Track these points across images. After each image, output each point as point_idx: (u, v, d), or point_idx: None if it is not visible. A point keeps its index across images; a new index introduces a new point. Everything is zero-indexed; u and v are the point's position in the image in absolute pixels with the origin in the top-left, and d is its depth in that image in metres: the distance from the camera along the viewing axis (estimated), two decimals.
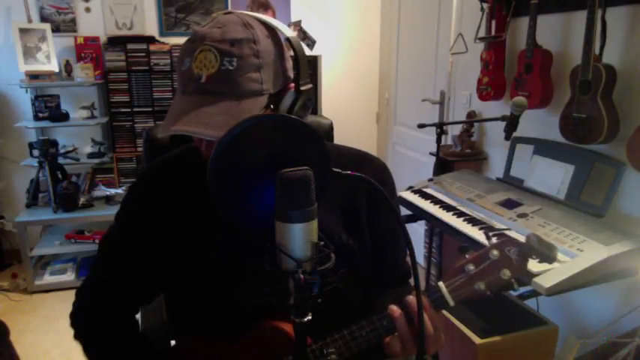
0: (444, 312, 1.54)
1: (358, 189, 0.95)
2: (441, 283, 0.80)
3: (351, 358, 0.85)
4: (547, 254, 0.78)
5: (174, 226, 0.91)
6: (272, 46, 0.80)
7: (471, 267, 0.78)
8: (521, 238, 1.50)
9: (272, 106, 0.81)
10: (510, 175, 2.05)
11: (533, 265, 1.35)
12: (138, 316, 1.06)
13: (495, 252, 0.78)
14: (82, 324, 0.96)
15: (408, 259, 0.76)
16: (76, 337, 0.96)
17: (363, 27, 3.72)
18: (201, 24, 0.81)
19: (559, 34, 1.93)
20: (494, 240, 0.83)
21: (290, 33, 0.82)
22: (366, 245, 0.94)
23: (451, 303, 0.79)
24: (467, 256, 0.80)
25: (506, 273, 0.77)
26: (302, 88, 0.81)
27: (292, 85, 0.82)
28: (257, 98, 0.78)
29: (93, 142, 3.34)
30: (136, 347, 0.96)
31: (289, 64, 0.84)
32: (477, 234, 1.63)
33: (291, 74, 0.84)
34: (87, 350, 0.95)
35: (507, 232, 1.59)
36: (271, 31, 0.81)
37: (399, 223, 0.72)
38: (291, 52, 0.83)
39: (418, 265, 0.76)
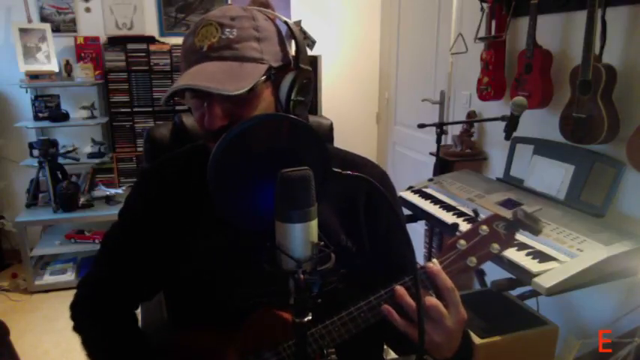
0: None
1: (357, 191, 0.95)
2: (434, 260, 0.81)
3: (352, 355, 0.85)
4: (533, 227, 0.80)
5: (176, 224, 0.92)
6: (271, 26, 0.84)
7: (463, 242, 0.81)
8: (520, 235, 1.51)
9: (272, 78, 0.83)
10: (510, 175, 2.06)
11: (533, 265, 1.36)
12: (138, 313, 1.06)
13: (485, 227, 0.81)
14: (82, 315, 0.97)
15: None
16: (75, 328, 0.97)
17: (363, 27, 3.72)
18: None
19: (559, 34, 1.93)
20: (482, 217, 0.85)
21: (288, 19, 0.86)
22: (364, 248, 0.94)
23: None
24: (458, 233, 0.82)
25: (495, 247, 0.80)
26: (301, 66, 0.83)
27: (292, 67, 0.85)
28: (258, 65, 0.80)
29: (93, 142, 3.34)
30: (134, 341, 0.96)
31: (287, 47, 0.86)
32: None
33: (290, 57, 0.86)
34: (85, 341, 0.95)
35: None
36: (269, 17, 0.86)
37: (401, 227, 0.72)
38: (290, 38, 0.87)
39: (418, 264, 0.76)
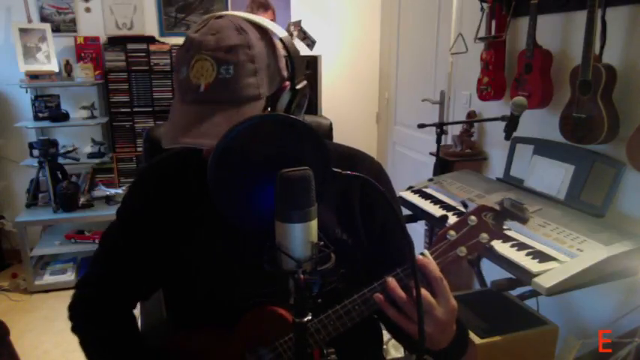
0: None
1: (352, 186, 0.95)
2: (426, 251, 0.82)
3: (351, 355, 0.85)
4: (520, 215, 0.82)
5: (175, 224, 0.92)
6: (265, 47, 0.81)
7: (452, 233, 0.83)
8: (519, 235, 1.51)
9: (269, 108, 0.82)
10: (510, 175, 2.05)
11: (533, 265, 1.36)
12: (137, 313, 1.06)
13: (473, 218, 0.82)
14: (80, 316, 0.97)
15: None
16: (74, 329, 0.97)
17: (363, 27, 3.72)
18: (193, 28, 0.82)
19: (559, 34, 1.93)
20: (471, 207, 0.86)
21: (282, 33, 0.83)
22: (361, 241, 0.94)
23: None
24: (447, 224, 0.84)
25: (484, 237, 0.82)
26: (297, 87, 0.82)
27: (287, 84, 0.83)
28: (255, 103, 0.79)
29: (93, 142, 3.34)
30: (132, 343, 0.97)
31: (283, 63, 0.84)
32: None
33: (285, 73, 0.84)
34: (83, 342, 0.95)
35: (507, 232, 1.59)
36: (263, 32, 0.82)
37: (398, 221, 0.72)
38: (285, 53, 0.84)
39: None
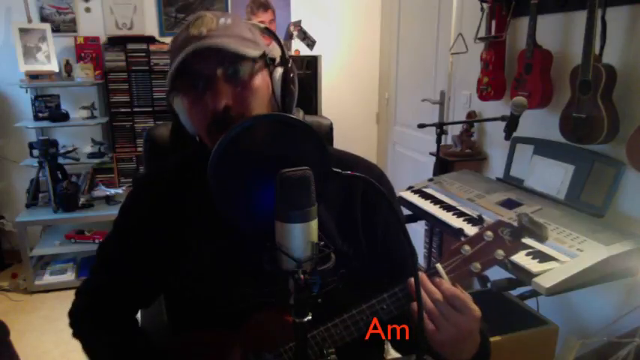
0: None
1: (353, 192, 0.94)
2: (438, 265, 0.81)
3: (353, 357, 0.85)
4: (539, 233, 0.79)
5: (174, 230, 0.91)
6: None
7: (467, 248, 0.80)
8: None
9: (268, 62, 0.86)
10: (510, 175, 2.05)
11: (533, 265, 1.36)
12: (138, 316, 1.06)
13: (489, 233, 0.80)
14: (82, 323, 0.97)
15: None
16: (75, 335, 0.97)
17: (363, 27, 3.72)
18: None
19: (559, 34, 1.93)
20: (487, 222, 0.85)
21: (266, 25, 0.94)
22: (361, 250, 0.93)
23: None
24: (462, 238, 0.82)
25: (500, 253, 0.79)
26: (289, 59, 0.87)
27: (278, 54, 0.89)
28: (256, 51, 0.83)
29: (93, 142, 3.34)
30: (137, 341, 0.96)
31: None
32: None
33: (275, 54, 0.89)
34: (86, 346, 0.95)
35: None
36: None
37: (401, 227, 0.72)
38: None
39: (422, 267, 0.76)
